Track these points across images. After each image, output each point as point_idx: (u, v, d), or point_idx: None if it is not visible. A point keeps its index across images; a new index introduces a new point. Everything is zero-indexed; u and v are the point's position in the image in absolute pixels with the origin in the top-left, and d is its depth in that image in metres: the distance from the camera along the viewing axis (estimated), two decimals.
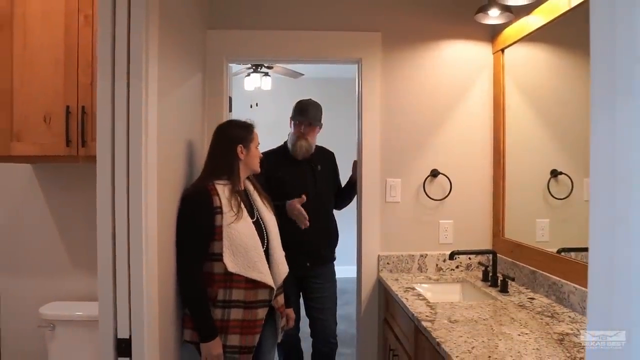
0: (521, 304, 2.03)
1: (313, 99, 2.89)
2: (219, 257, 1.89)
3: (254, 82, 5.34)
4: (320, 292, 2.80)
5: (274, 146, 2.87)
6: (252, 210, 2.04)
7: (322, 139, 2.96)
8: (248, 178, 2.14)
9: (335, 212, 2.93)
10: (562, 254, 2.08)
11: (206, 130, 2.48)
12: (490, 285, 2.34)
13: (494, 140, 2.68)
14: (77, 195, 2.31)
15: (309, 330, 2.84)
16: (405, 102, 2.68)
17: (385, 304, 2.60)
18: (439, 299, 2.19)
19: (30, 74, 2.01)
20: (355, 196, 2.83)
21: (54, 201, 2.34)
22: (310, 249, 2.68)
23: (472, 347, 1.54)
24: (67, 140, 2.00)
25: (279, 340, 2.18)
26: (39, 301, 2.25)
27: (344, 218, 3.10)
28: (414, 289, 2.32)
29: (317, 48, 2.65)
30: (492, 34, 2.67)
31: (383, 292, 2.63)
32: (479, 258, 2.65)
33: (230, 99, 2.79)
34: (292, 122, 2.82)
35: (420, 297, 2.15)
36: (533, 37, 2.29)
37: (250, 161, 2.07)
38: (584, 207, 1.82)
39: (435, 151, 2.69)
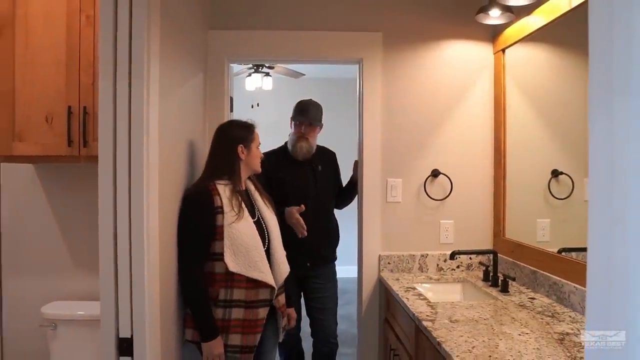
0: (522, 303, 2.04)
1: (314, 99, 2.89)
2: (220, 257, 1.90)
3: (255, 82, 5.35)
4: (321, 292, 2.80)
5: (275, 146, 2.87)
6: (253, 210, 2.05)
7: (323, 139, 2.97)
8: (249, 178, 2.14)
9: (336, 212, 2.93)
10: (563, 254, 2.08)
11: (207, 130, 2.48)
12: (490, 285, 2.35)
13: (495, 140, 2.68)
14: (78, 195, 2.32)
15: (309, 330, 2.85)
16: (406, 102, 2.68)
17: (386, 304, 2.60)
18: (439, 299, 2.19)
19: (32, 74, 2.02)
20: (356, 196, 2.83)
21: (55, 201, 2.35)
22: (311, 249, 2.68)
23: (473, 347, 1.54)
24: (68, 140, 2.01)
25: (280, 340, 2.18)
26: (41, 301, 2.26)
27: (344, 218, 3.10)
28: (414, 288, 2.32)
29: (318, 48, 2.65)
30: (492, 34, 2.67)
31: (384, 292, 2.63)
32: (480, 258, 2.66)
33: (231, 99, 2.79)
34: (293, 122, 2.82)
35: (421, 297, 2.16)
36: (534, 37, 2.30)
37: (251, 161, 2.07)
38: (585, 207, 1.82)
39: (436, 151, 2.69)
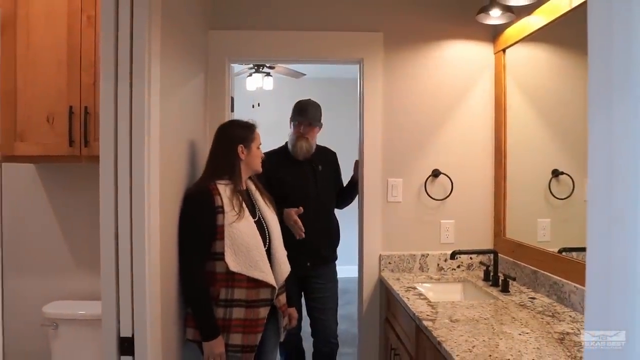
0: (522, 303, 2.04)
1: (315, 99, 2.89)
2: (220, 257, 1.90)
3: (256, 82, 5.35)
4: (321, 292, 2.80)
5: (276, 146, 2.88)
6: (254, 210, 2.05)
7: (324, 139, 2.97)
8: (250, 178, 2.15)
9: (336, 211, 2.94)
10: (563, 253, 2.08)
11: (208, 130, 2.49)
12: (491, 285, 2.35)
13: (496, 140, 2.68)
14: (80, 195, 2.32)
15: (310, 329, 2.85)
16: (407, 102, 2.68)
17: (387, 304, 2.60)
18: (440, 299, 2.19)
19: (33, 74, 2.02)
20: (357, 196, 2.83)
21: (57, 201, 2.35)
22: (311, 249, 2.68)
23: (473, 346, 1.54)
24: (70, 140, 2.01)
25: (281, 340, 2.18)
26: (42, 300, 2.26)
27: (345, 218, 3.11)
28: (415, 288, 2.33)
29: (319, 48, 2.66)
30: (493, 34, 2.67)
31: (384, 292, 2.64)
32: (480, 258, 2.66)
33: (232, 99, 2.80)
34: (292, 122, 2.82)
35: (422, 297, 2.16)
36: (534, 37, 2.30)
37: (251, 161, 2.07)
38: (585, 207, 1.82)
39: (437, 151, 2.70)
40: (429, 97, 2.69)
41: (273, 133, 3.48)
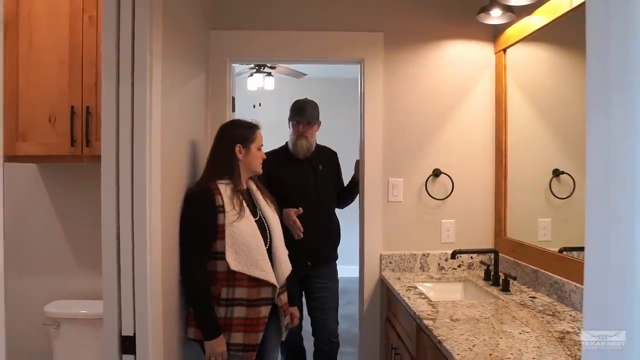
0: (522, 302, 2.04)
1: (316, 99, 2.90)
2: (221, 256, 1.91)
3: (257, 82, 5.36)
4: (322, 291, 2.81)
5: (277, 146, 2.88)
6: (255, 209, 2.05)
7: (324, 138, 2.98)
8: (251, 178, 2.15)
9: (337, 211, 2.94)
10: (564, 253, 2.08)
11: (209, 130, 2.49)
12: (492, 284, 2.35)
13: (496, 139, 2.69)
14: (81, 194, 2.33)
15: (310, 329, 2.85)
16: (408, 102, 2.69)
17: (388, 303, 2.61)
18: (440, 298, 2.19)
19: (35, 74, 2.03)
20: (358, 195, 2.84)
21: (58, 200, 2.36)
22: (311, 248, 2.69)
23: (473, 345, 1.55)
24: (71, 140, 2.02)
25: (283, 339, 2.19)
26: (44, 299, 2.27)
27: (346, 217, 3.11)
28: (416, 287, 2.33)
29: (320, 48, 2.66)
30: (494, 34, 2.67)
31: (385, 291, 2.64)
32: (481, 257, 2.66)
33: (233, 99, 2.80)
34: (290, 122, 2.84)
35: (422, 296, 2.16)
36: (535, 37, 2.30)
37: (249, 161, 2.07)
38: None
39: (437, 151, 2.70)
40: (429, 97, 2.69)
41: (274, 133, 3.47)
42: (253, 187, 2.14)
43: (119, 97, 1.53)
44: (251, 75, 5.33)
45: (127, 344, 1.53)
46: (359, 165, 2.80)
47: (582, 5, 1.84)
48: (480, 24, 2.47)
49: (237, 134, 2.07)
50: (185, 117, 2.09)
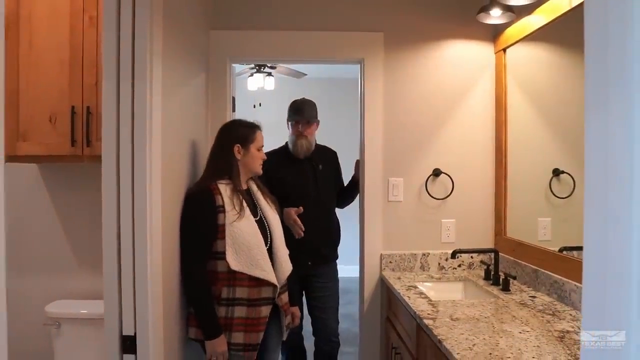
0: (522, 302, 2.04)
1: (316, 99, 2.91)
2: (222, 256, 1.91)
3: (257, 82, 5.36)
4: (322, 291, 2.81)
5: (277, 146, 2.89)
6: (255, 209, 2.06)
7: (324, 138, 2.98)
8: (252, 178, 2.15)
9: (337, 211, 2.94)
10: (564, 252, 2.08)
11: (209, 130, 2.50)
12: (492, 284, 2.35)
13: (496, 139, 2.69)
14: (82, 194, 2.33)
15: (311, 328, 2.86)
16: (408, 101, 2.69)
17: (388, 303, 2.61)
18: (441, 297, 2.20)
19: (35, 74, 2.03)
20: (358, 195, 2.84)
21: (59, 200, 2.36)
22: (311, 248, 2.69)
23: (473, 345, 1.55)
24: (72, 140, 2.02)
25: (284, 338, 2.19)
26: (45, 299, 2.27)
27: (346, 217, 3.11)
28: (416, 287, 2.33)
29: (320, 48, 2.66)
30: (494, 33, 2.67)
31: (385, 291, 2.64)
32: (481, 257, 2.66)
33: (233, 99, 2.81)
34: (289, 122, 2.84)
35: (423, 296, 2.17)
36: (535, 37, 2.30)
37: (248, 162, 2.07)
38: None
39: (437, 150, 2.70)
40: (429, 97, 2.69)
41: (274, 133, 3.47)
42: (254, 187, 2.14)
43: (119, 97, 1.53)
44: (251, 75, 5.33)
45: (128, 344, 1.54)
46: (359, 165, 2.80)
47: (582, 4, 1.83)
48: (480, 23, 2.47)
49: (236, 134, 2.07)
50: (185, 117, 2.09)
